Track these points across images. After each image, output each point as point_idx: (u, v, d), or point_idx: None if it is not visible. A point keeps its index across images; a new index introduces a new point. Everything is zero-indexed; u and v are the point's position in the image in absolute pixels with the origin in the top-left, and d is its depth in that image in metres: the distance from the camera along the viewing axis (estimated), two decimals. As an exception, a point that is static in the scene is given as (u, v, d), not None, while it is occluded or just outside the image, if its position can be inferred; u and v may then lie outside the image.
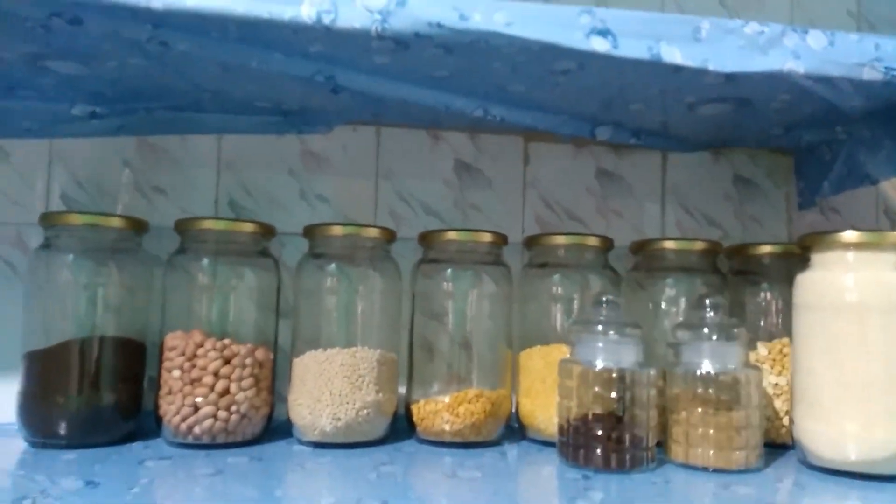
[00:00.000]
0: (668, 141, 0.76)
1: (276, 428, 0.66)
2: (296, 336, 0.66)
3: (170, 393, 0.60)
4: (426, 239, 0.70)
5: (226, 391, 0.60)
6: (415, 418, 0.66)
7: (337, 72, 0.57)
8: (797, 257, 0.65)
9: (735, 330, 0.61)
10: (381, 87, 0.60)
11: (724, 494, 0.53)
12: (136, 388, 0.64)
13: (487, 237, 0.68)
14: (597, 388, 0.58)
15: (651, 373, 0.60)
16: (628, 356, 0.59)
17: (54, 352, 0.60)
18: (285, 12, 0.47)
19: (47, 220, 0.62)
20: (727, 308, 0.63)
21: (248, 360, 0.62)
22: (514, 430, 0.69)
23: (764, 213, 0.86)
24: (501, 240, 0.70)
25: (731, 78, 0.54)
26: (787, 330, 0.64)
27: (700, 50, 0.52)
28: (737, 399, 0.59)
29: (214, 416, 0.59)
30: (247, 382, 0.61)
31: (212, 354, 0.60)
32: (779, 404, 0.66)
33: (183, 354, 0.61)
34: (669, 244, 0.72)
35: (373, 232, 0.67)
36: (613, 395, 0.58)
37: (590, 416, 0.58)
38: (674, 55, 0.52)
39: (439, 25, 0.49)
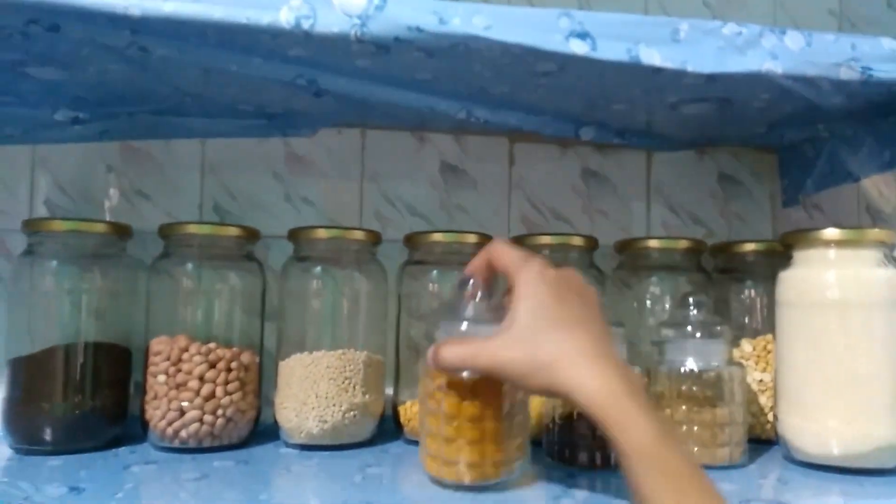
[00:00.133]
0: (653, 140, 0.76)
1: (262, 431, 0.66)
2: (281, 339, 0.66)
3: (155, 398, 0.60)
4: (412, 240, 0.70)
5: (211, 395, 0.60)
6: (402, 419, 0.66)
7: (318, 75, 0.56)
8: (781, 255, 0.65)
9: (719, 327, 0.61)
10: (363, 90, 0.60)
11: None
12: (121, 394, 0.63)
13: (473, 238, 0.69)
14: (581, 388, 0.58)
15: (635, 371, 0.60)
16: (612, 355, 0.59)
17: (39, 358, 0.60)
18: (263, 17, 0.47)
19: (30, 226, 0.62)
20: (711, 306, 0.64)
21: (234, 364, 0.62)
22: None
23: (749, 211, 0.86)
24: (487, 241, 0.69)
25: (711, 78, 0.54)
26: (771, 327, 0.65)
27: (679, 51, 0.53)
28: (720, 396, 0.59)
29: (200, 420, 0.59)
30: (232, 386, 0.61)
31: (197, 359, 0.60)
32: (764, 400, 0.66)
33: (168, 359, 0.60)
34: (654, 243, 0.72)
35: (358, 234, 0.67)
36: (598, 394, 0.58)
37: (575, 415, 0.58)
38: (653, 57, 0.52)
39: (419, 29, 0.49)
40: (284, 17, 0.48)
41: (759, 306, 0.72)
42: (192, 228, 0.64)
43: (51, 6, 0.45)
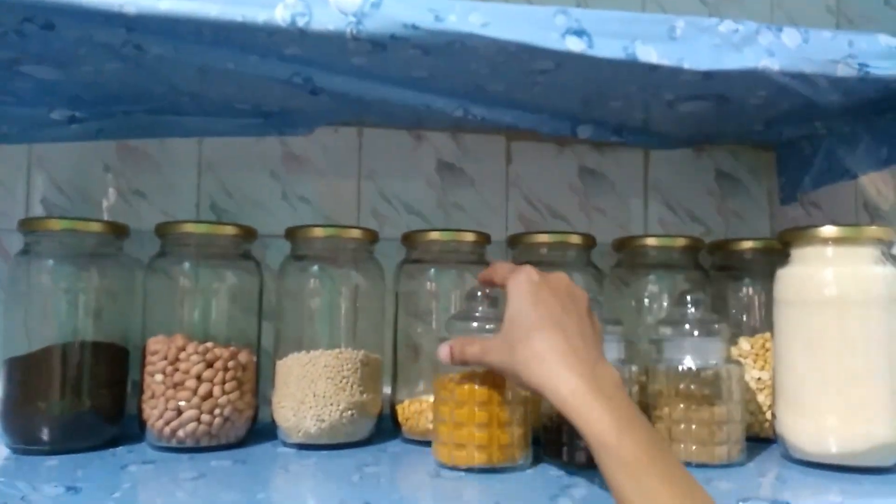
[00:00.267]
0: (650, 138, 0.76)
1: (260, 430, 0.66)
2: (279, 338, 0.66)
3: (153, 397, 0.60)
4: (409, 239, 0.70)
5: (209, 394, 0.60)
6: (400, 418, 0.66)
7: (314, 73, 0.56)
8: (779, 252, 0.65)
9: (716, 325, 0.61)
10: (359, 88, 0.60)
11: (706, 489, 0.53)
12: (118, 393, 0.63)
13: (470, 237, 0.69)
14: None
15: (633, 369, 0.60)
16: (610, 353, 0.59)
17: (36, 357, 0.60)
18: (259, 15, 0.47)
19: (27, 225, 0.62)
20: (709, 304, 0.64)
21: (231, 363, 0.62)
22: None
23: (746, 209, 0.86)
24: (485, 239, 0.70)
25: (708, 75, 0.54)
26: (769, 325, 0.65)
27: (675, 49, 0.52)
28: (718, 394, 0.59)
29: (198, 420, 0.59)
30: (230, 385, 0.61)
31: (194, 358, 0.60)
32: (762, 398, 0.66)
33: (165, 358, 0.60)
34: (651, 241, 0.72)
35: (355, 233, 0.67)
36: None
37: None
38: (649, 54, 0.52)
39: (415, 27, 0.49)
40: (280, 15, 0.48)
41: (757, 304, 0.72)
42: (189, 227, 0.64)
43: (45, 4, 0.45)
